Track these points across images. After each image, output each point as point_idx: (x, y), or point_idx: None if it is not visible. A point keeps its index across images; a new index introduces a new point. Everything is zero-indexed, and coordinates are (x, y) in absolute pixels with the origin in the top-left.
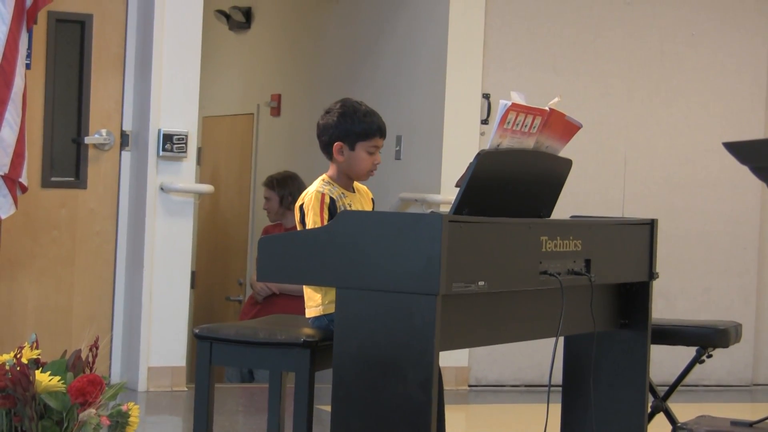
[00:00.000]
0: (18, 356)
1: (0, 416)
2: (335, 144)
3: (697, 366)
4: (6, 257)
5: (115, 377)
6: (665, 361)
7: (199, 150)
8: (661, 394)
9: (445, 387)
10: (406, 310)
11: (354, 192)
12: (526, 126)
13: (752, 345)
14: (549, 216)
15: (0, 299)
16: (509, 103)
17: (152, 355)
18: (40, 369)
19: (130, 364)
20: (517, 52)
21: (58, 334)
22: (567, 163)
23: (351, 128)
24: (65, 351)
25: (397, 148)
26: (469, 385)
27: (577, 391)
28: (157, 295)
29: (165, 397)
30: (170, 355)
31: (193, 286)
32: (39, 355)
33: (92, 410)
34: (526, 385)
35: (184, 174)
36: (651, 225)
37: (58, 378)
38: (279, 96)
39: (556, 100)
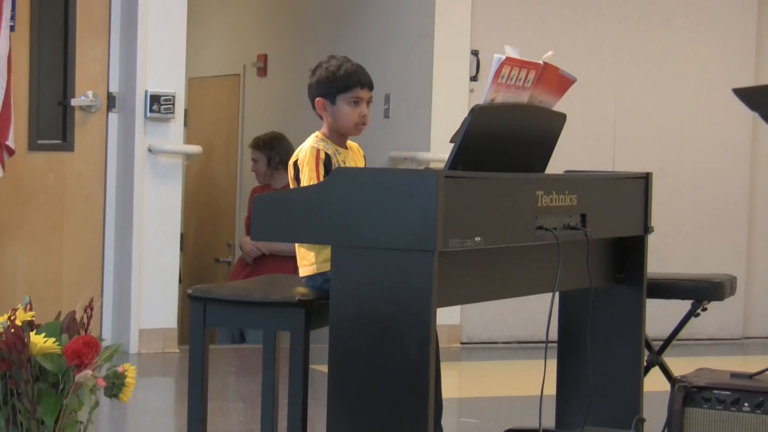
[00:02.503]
0: (12, 318)
1: None
2: (317, 100)
3: (692, 320)
4: None
5: (107, 341)
6: (659, 316)
7: (186, 112)
8: (656, 348)
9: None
10: (403, 268)
11: (347, 149)
12: (520, 80)
13: (743, 300)
14: (543, 171)
15: None
16: (504, 57)
17: (143, 318)
18: (35, 331)
19: (121, 327)
20: (506, 9)
21: (49, 300)
22: (561, 118)
23: (329, 83)
24: (59, 313)
25: (386, 107)
26: (462, 343)
27: (573, 347)
28: (147, 258)
29: (157, 360)
30: (161, 318)
31: (181, 248)
32: (33, 317)
33: (88, 372)
34: (518, 342)
35: (172, 135)
36: (646, 179)
37: (53, 340)
38: (265, 56)
39: (549, 53)
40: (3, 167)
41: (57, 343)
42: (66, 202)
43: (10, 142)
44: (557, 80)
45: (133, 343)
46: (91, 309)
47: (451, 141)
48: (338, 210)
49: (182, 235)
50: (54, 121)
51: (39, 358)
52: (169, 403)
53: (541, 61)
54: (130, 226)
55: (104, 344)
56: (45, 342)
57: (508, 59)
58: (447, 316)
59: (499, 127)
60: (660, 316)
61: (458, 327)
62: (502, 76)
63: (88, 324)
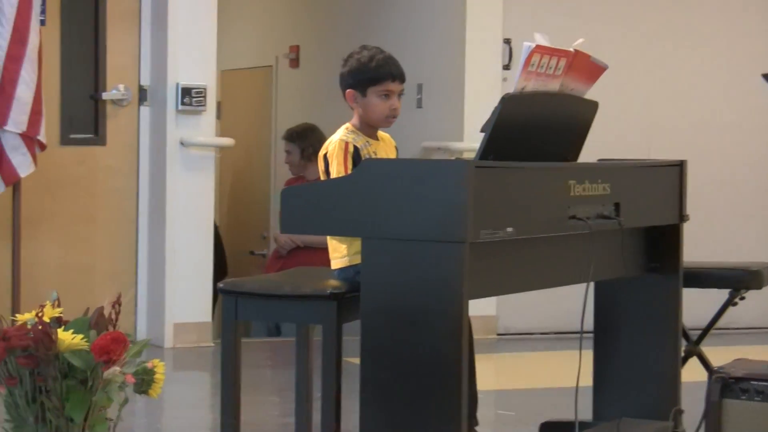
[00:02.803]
0: (39, 315)
1: (24, 376)
2: (347, 92)
3: (729, 309)
4: (26, 216)
5: (141, 335)
6: (696, 305)
7: (219, 104)
8: (694, 338)
9: (474, 336)
10: (434, 259)
11: (378, 140)
12: (550, 68)
13: None
14: (576, 160)
15: (22, 259)
16: (533, 45)
17: (177, 312)
18: (63, 327)
19: (155, 321)
20: None
21: (81, 293)
22: (593, 106)
23: (359, 74)
24: (87, 309)
25: (419, 96)
26: (498, 334)
27: (608, 338)
28: (180, 251)
29: (191, 353)
30: (195, 311)
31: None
32: (61, 313)
33: (117, 368)
34: (555, 333)
35: (204, 128)
36: (680, 166)
37: (81, 336)
38: (297, 47)
39: (580, 41)
40: (35, 162)
41: (85, 339)
42: (98, 196)
43: (42, 137)
44: (588, 68)
45: (167, 337)
46: (119, 304)
47: (482, 131)
48: (367, 202)
49: (216, 227)
50: (85, 115)
51: (67, 355)
52: (204, 397)
53: (571, 49)
54: (162, 219)
55: (136, 339)
56: (73, 338)
57: (538, 47)
58: (483, 307)
59: (530, 116)
60: (697, 305)
61: (494, 318)
62: (532, 64)
63: (116, 320)
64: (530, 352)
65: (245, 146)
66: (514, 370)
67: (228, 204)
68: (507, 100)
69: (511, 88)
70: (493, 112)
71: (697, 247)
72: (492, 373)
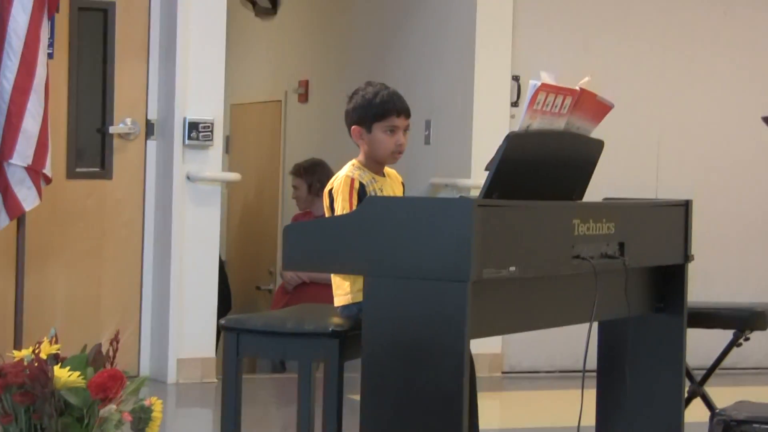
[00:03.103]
0: (36, 351)
1: (19, 413)
2: (353, 128)
3: (735, 349)
4: (33, 249)
5: (144, 369)
6: (702, 344)
7: (228, 138)
8: (698, 378)
9: (479, 374)
10: (437, 298)
11: (384, 177)
12: (556, 106)
13: None
14: (581, 199)
15: (28, 292)
16: (539, 83)
17: (182, 347)
18: (60, 364)
19: (159, 355)
20: (547, 32)
21: (87, 326)
22: (599, 144)
23: (366, 110)
24: (85, 345)
25: (427, 133)
26: (503, 372)
27: (612, 377)
28: (185, 286)
29: (195, 389)
30: (200, 347)
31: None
32: (59, 349)
33: (113, 406)
34: (561, 371)
35: (211, 162)
36: (686, 206)
37: (77, 373)
38: (307, 82)
39: (586, 79)
40: (40, 195)
41: (82, 376)
42: (105, 229)
43: (47, 170)
44: (594, 106)
45: (171, 372)
46: (117, 341)
47: (486, 169)
48: (370, 239)
49: (224, 262)
50: (93, 149)
51: (63, 392)
52: None
53: (577, 87)
54: (168, 253)
55: (139, 373)
56: (69, 376)
57: (544, 85)
58: (488, 345)
59: (535, 154)
60: (704, 344)
61: (500, 356)
62: (538, 102)
63: (114, 357)
64: (535, 391)
65: (254, 180)
66: (518, 409)
67: (236, 238)
68: (512, 138)
69: (517, 126)
70: (498, 150)
71: (709, 285)
72: (497, 411)
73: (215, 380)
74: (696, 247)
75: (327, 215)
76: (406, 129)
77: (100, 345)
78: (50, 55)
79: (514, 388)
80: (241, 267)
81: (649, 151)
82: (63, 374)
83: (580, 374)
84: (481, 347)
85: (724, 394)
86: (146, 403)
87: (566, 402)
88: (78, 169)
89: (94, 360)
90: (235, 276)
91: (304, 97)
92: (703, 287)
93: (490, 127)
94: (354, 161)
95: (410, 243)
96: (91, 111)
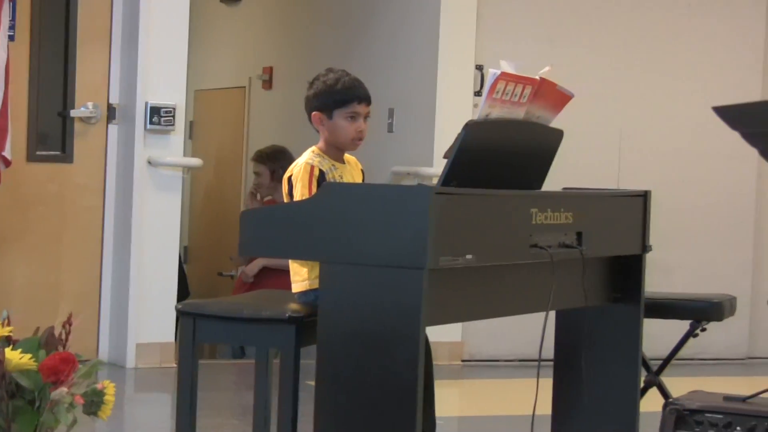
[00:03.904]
0: None
1: None
2: (313, 114)
3: (694, 340)
4: None
5: (104, 354)
6: (661, 335)
7: (192, 124)
8: (655, 368)
9: (439, 362)
10: (393, 285)
11: (344, 164)
12: (516, 96)
13: (749, 318)
14: (540, 188)
15: None
16: (499, 72)
17: (141, 332)
18: (12, 347)
19: (118, 340)
20: (512, 23)
21: (46, 311)
22: (558, 134)
23: (327, 97)
24: (38, 328)
25: (390, 121)
26: (463, 360)
27: (569, 366)
28: (145, 271)
29: (154, 374)
30: (159, 332)
31: (186, 261)
32: (11, 332)
33: (64, 389)
34: (521, 360)
35: (173, 148)
36: (644, 197)
37: (29, 356)
38: (271, 69)
39: (546, 69)
40: None
41: (34, 359)
42: (66, 213)
43: (7, 153)
44: (554, 95)
45: (130, 357)
46: (70, 324)
47: (445, 157)
48: (327, 225)
49: (186, 248)
50: (54, 132)
51: (15, 375)
52: (164, 419)
53: (537, 77)
54: (129, 238)
55: (99, 358)
56: (21, 358)
57: (504, 74)
58: (449, 333)
59: (494, 143)
60: (663, 335)
61: (460, 344)
62: (498, 91)
63: (67, 340)
64: (494, 379)
65: (217, 166)
66: (477, 397)
67: (199, 224)
68: (470, 127)
69: (478, 113)
70: (456, 139)
71: (668, 276)
72: (456, 400)
73: (174, 365)
74: (655, 238)
75: (286, 202)
76: (366, 116)
77: (53, 328)
78: (11, 38)
79: (473, 377)
80: (204, 253)
81: (611, 144)
82: (14, 356)
83: (540, 363)
84: (442, 335)
85: (682, 385)
86: (99, 386)
87: (525, 391)
88: (39, 153)
89: (46, 343)
90: (197, 262)
91: (268, 84)
92: (663, 280)
93: (453, 116)
94: (314, 148)
95: (367, 230)
96: (53, 94)
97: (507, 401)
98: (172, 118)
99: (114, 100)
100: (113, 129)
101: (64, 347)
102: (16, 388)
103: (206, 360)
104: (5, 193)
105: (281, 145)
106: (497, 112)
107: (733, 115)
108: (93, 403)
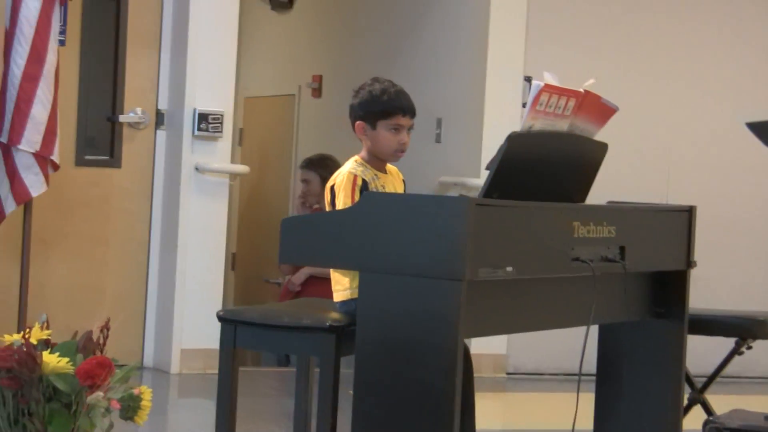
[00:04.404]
0: (26, 336)
1: (6, 398)
2: (357, 123)
3: (740, 357)
4: (38, 236)
5: (148, 359)
6: (706, 351)
7: (241, 131)
8: (699, 385)
9: (483, 374)
10: (430, 296)
11: (386, 173)
12: (559, 108)
13: None
14: (583, 201)
15: (32, 278)
16: (542, 84)
17: (185, 337)
18: (50, 350)
19: (163, 346)
20: (561, 35)
21: (89, 315)
22: (602, 147)
23: (371, 107)
24: (76, 332)
25: (438, 131)
26: (507, 373)
27: (611, 381)
28: (190, 277)
29: (197, 380)
30: (203, 338)
31: (233, 267)
32: (49, 335)
33: (100, 393)
34: (564, 374)
35: (220, 154)
36: (689, 212)
37: (66, 359)
38: (320, 77)
39: (591, 81)
40: (47, 182)
41: (70, 362)
42: (111, 218)
43: (55, 157)
44: (599, 108)
45: (174, 362)
46: (108, 329)
47: (487, 168)
48: (366, 235)
49: (234, 255)
50: (102, 137)
51: (51, 378)
52: (206, 425)
53: (582, 89)
54: (174, 243)
55: (143, 363)
56: (58, 361)
57: (547, 86)
58: (493, 346)
59: (537, 155)
60: (708, 351)
61: (504, 356)
62: (541, 103)
63: (104, 344)
64: (538, 393)
65: (266, 173)
66: (520, 410)
67: (246, 231)
68: (513, 138)
69: (521, 125)
70: (499, 150)
71: (712, 293)
72: (499, 412)
73: (218, 371)
74: (702, 253)
75: (328, 210)
76: (410, 128)
77: (90, 332)
78: (62, 43)
79: (517, 389)
80: (251, 260)
81: (658, 157)
82: (52, 360)
83: (583, 377)
84: (486, 348)
85: (725, 403)
86: (135, 391)
87: (568, 405)
88: (86, 157)
89: (84, 347)
90: (244, 269)
91: (317, 92)
92: (706, 295)
93: (501, 128)
94: (356, 157)
95: (406, 240)
96: (102, 99)
97: (549, 415)
98: (219, 124)
99: (162, 105)
100: (161, 134)
101: (101, 351)
102: (53, 392)
103: (250, 367)
104: (52, 197)
105: (328, 153)
106: (540, 124)
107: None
108: (129, 408)
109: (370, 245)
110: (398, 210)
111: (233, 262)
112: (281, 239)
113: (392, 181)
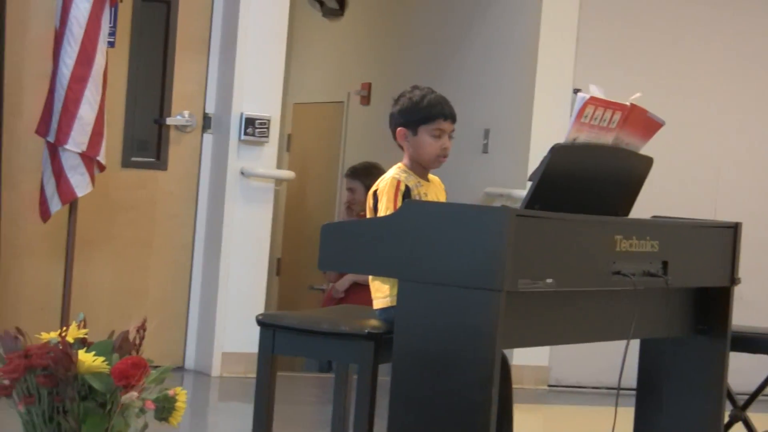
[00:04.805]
0: (63, 335)
1: (42, 395)
2: (398, 130)
3: None
4: (83, 237)
5: (189, 362)
6: (749, 369)
7: (290, 136)
8: (741, 403)
9: (524, 386)
10: (469, 306)
11: (429, 182)
12: (604, 121)
13: None
14: (626, 215)
15: (76, 279)
16: (587, 97)
17: (227, 341)
18: (86, 349)
19: (204, 349)
20: (611, 48)
21: (133, 317)
22: (647, 161)
23: (412, 113)
24: (112, 332)
25: (485, 142)
26: (549, 385)
27: (651, 396)
28: (233, 281)
29: (238, 384)
30: (245, 342)
31: (278, 273)
32: (86, 334)
33: (134, 393)
34: (606, 388)
35: (265, 159)
36: (734, 228)
37: (102, 359)
38: (369, 85)
39: (637, 95)
40: (93, 182)
41: (106, 362)
42: (156, 220)
43: (101, 158)
44: (644, 122)
45: (215, 366)
46: (144, 329)
47: (530, 179)
48: (406, 242)
49: (279, 260)
50: (149, 139)
51: (87, 377)
52: (245, 429)
53: (628, 103)
54: (218, 247)
55: (185, 366)
56: (93, 361)
57: (592, 99)
58: (535, 358)
59: (580, 168)
60: (748, 369)
61: (546, 369)
62: (586, 116)
63: (140, 344)
64: (579, 406)
65: (313, 180)
66: (560, 423)
67: (292, 237)
68: (557, 150)
69: (565, 137)
70: (542, 162)
71: (757, 310)
72: (540, 425)
73: None
74: (746, 272)
75: (369, 216)
76: (451, 134)
77: (126, 332)
78: (111, 44)
79: (558, 402)
80: (296, 266)
81: (708, 174)
82: (87, 359)
83: (624, 392)
84: (528, 359)
85: (766, 421)
86: (170, 392)
87: (606, 419)
88: (133, 159)
89: (119, 347)
90: (289, 274)
91: (366, 100)
92: (750, 315)
93: (548, 140)
94: (399, 164)
95: (446, 249)
96: (149, 102)
97: (589, 428)
98: (266, 129)
99: (209, 109)
100: (208, 138)
101: (137, 351)
102: (88, 390)
103: (288, 372)
104: (97, 198)
105: (374, 162)
106: (585, 137)
107: None
108: (164, 408)
109: (409, 253)
110: (439, 218)
111: (278, 267)
112: (321, 245)
113: (435, 189)
